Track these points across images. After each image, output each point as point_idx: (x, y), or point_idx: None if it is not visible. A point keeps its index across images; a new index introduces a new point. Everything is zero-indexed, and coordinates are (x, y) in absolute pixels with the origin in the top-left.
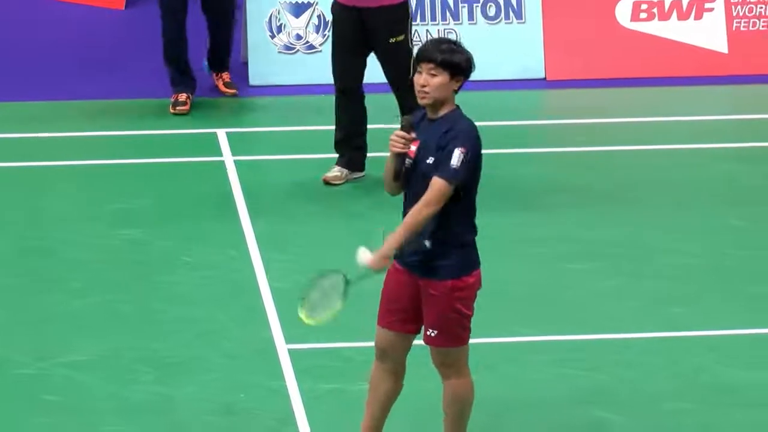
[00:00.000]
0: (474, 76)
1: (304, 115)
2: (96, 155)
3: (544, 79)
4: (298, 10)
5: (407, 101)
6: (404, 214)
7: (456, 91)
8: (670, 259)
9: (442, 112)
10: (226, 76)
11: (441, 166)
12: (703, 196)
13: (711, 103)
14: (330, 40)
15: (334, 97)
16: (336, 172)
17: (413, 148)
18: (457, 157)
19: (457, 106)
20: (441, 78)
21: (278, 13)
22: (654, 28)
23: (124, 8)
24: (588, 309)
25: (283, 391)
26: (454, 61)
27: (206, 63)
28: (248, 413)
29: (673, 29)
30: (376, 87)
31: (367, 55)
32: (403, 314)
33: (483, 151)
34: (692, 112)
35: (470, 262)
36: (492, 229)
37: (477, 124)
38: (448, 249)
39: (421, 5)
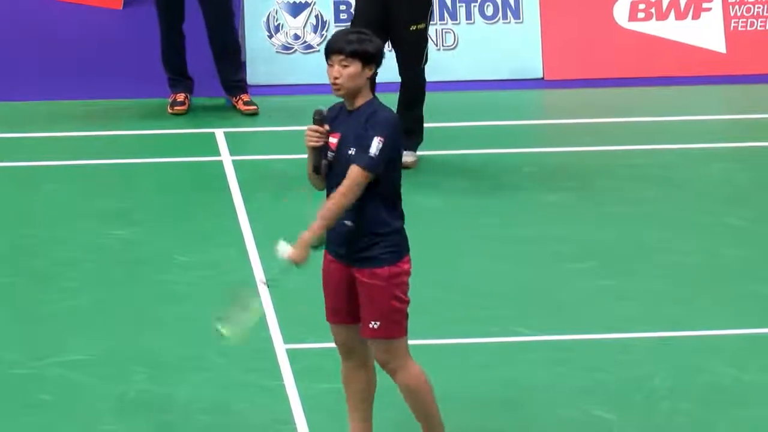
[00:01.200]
0: (472, 75)
1: (302, 115)
2: (94, 155)
3: (542, 78)
4: (296, 10)
5: (412, 90)
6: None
7: (370, 80)
8: (667, 258)
9: (359, 102)
10: (245, 96)
11: (358, 155)
12: (700, 196)
13: (708, 102)
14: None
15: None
16: None
17: (333, 140)
18: (375, 145)
19: (375, 97)
20: (353, 68)
21: (276, 13)
22: (652, 27)
23: (122, 8)
24: (585, 308)
25: (280, 390)
26: (365, 49)
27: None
28: (245, 413)
29: (670, 29)
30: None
31: (384, 40)
32: (348, 305)
33: (481, 151)
34: (689, 112)
35: (402, 248)
36: (489, 228)
37: (475, 123)
38: (378, 237)
39: None
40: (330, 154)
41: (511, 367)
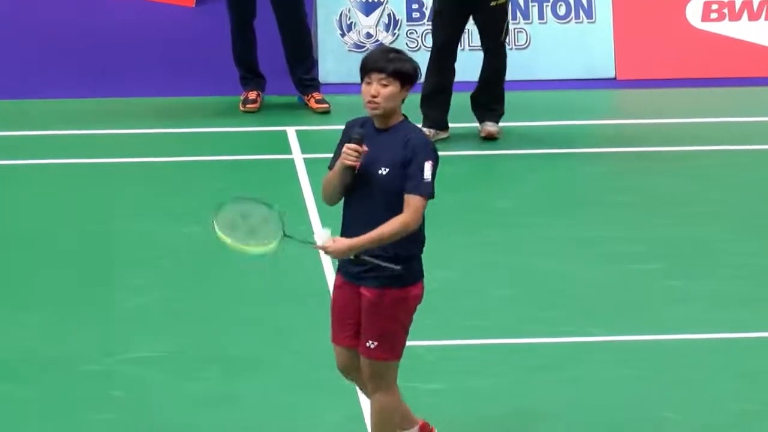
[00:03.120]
0: (544, 75)
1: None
2: (165, 153)
3: (615, 78)
4: (368, 9)
5: (493, 63)
6: (344, 225)
7: (403, 101)
8: (733, 259)
9: (392, 122)
10: (317, 95)
11: (413, 183)
12: (767, 197)
13: None
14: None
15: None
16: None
17: None
18: (428, 170)
19: (405, 116)
20: (392, 88)
21: (349, 12)
22: (724, 28)
23: (194, 5)
24: (651, 309)
25: (351, 388)
26: (404, 71)
27: (298, 96)
28: (316, 411)
29: (743, 29)
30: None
31: (467, 17)
32: (355, 328)
33: (551, 150)
34: (760, 113)
35: (415, 273)
36: (558, 228)
37: (546, 123)
38: (394, 260)
39: None
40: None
41: (578, 368)
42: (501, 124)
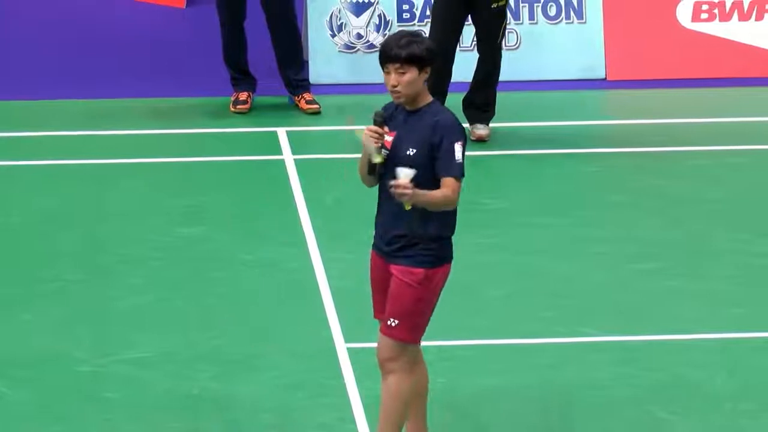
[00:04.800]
0: (534, 75)
1: (364, 114)
2: (157, 153)
3: (605, 79)
4: (358, 10)
5: (488, 65)
6: (379, 203)
7: (427, 81)
8: (732, 259)
9: (420, 104)
10: (307, 95)
11: (446, 164)
12: (764, 197)
13: None
14: None
15: None
16: None
17: (389, 139)
18: (458, 151)
19: (433, 98)
20: (410, 74)
21: (339, 12)
22: (715, 28)
23: (185, 6)
24: (650, 309)
25: (342, 389)
26: (419, 54)
27: (288, 96)
28: (308, 411)
29: (734, 30)
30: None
31: (466, 19)
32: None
33: (543, 151)
34: (752, 113)
35: (445, 255)
36: (554, 229)
37: (537, 124)
38: (423, 240)
39: None
40: (384, 152)
41: (576, 368)
42: (492, 125)
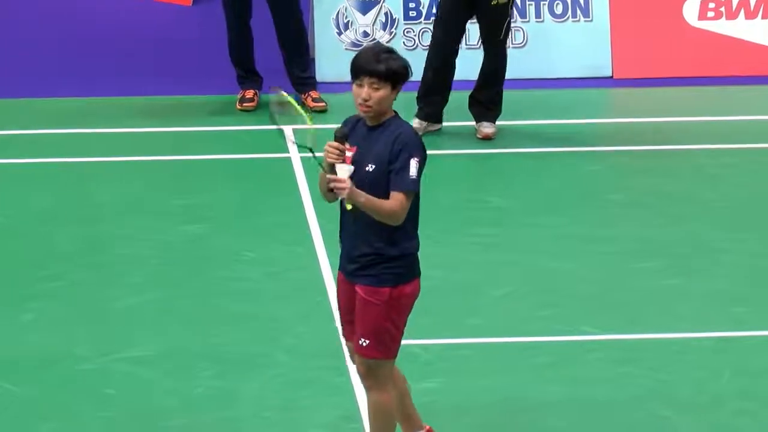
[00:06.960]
0: (541, 73)
1: None
2: (163, 151)
3: (611, 77)
4: (365, 7)
5: (493, 62)
6: (341, 223)
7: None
8: (732, 258)
9: (383, 118)
10: (314, 93)
11: (397, 179)
12: (765, 196)
13: None
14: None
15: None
16: (416, 124)
17: (349, 154)
18: (414, 166)
19: (395, 112)
20: (383, 91)
21: (345, 11)
22: (721, 26)
23: (191, 4)
24: (650, 308)
25: (346, 387)
26: (396, 71)
27: (294, 94)
28: (311, 409)
29: (740, 28)
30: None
31: (470, 16)
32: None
33: (548, 149)
34: (758, 112)
35: (409, 272)
36: (555, 227)
37: (543, 122)
38: (385, 258)
39: None
40: (349, 169)
41: (576, 367)
42: (498, 123)
